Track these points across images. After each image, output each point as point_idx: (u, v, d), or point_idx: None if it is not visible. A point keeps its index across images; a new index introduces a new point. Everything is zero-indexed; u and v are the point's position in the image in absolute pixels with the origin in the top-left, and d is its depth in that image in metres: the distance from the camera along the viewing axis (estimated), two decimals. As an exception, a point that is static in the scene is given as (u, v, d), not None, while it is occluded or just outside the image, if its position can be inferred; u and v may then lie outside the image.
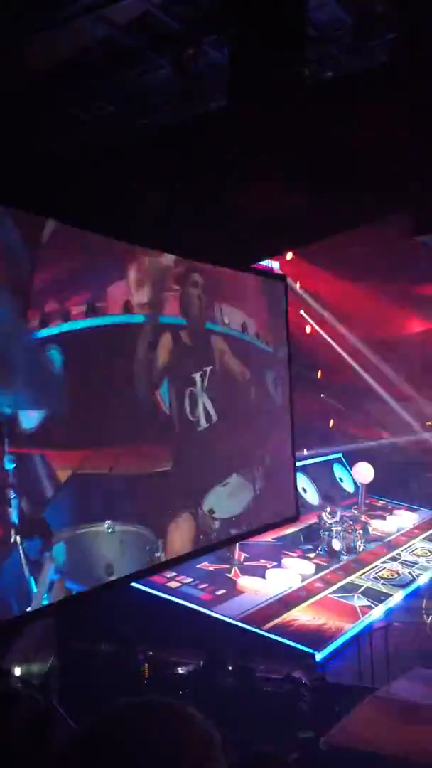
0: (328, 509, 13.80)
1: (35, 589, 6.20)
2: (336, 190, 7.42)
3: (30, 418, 6.16)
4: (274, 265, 15.43)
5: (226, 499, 8.74)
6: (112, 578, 7.08)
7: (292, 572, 11.56)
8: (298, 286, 16.05)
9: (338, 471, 16.87)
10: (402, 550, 13.29)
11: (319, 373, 17.55)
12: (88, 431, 6.85)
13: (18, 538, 6.07)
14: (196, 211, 7.73)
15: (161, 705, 1.30)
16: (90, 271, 7.16)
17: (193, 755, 1.21)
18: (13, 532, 6.05)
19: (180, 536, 8.01)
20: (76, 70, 7.61)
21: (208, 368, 8.73)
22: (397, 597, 11.13)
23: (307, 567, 11.89)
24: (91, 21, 7.04)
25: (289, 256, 15.22)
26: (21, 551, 6.06)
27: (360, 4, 7.14)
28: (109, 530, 6.94)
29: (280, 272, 14.60)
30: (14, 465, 6.00)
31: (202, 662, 8.52)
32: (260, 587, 10.92)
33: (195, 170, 7.34)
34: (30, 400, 6.21)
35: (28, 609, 6.21)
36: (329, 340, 17.52)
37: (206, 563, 11.09)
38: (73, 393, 6.62)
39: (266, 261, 13.98)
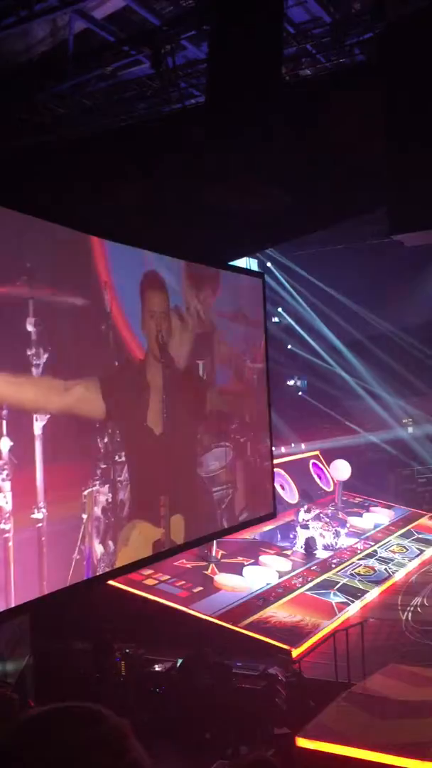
0: (305, 506, 13.84)
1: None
2: (313, 187, 7.46)
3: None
4: (252, 262, 15.47)
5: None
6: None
7: (270, 569, 11.58)
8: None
9: (315, 468, 16.94)
10: (378, 547, 13.37)
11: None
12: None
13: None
14: (173, 207, 7.73)
15: (65, 709, 1.27)
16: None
17: (104, 754, 1.20)
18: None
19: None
20: (52, 63, 7.56)
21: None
22: (374, 593, 11.20)
23: (284, 564, 11.92)
24: (69, 14, 7.01)
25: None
26: None
27: (337, 3, 7.18)
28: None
29: (258, 270, 14.65)
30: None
31: (179, 660, 8.51)
32: (237, 584, 10.93)
33: (172, 166, 7.33)
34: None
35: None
36: (307, 337, 17.62)
37: (183, 560, 11.08)
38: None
39: (244, 258, 14.02)
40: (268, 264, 16.28)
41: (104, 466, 7.40)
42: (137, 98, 8.07)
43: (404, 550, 13.44)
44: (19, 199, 6.61)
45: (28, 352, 6.51)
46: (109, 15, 7.35)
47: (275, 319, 16.98)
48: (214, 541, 11.08)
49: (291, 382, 17.99)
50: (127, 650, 8.65)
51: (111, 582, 8.88)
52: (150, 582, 10.42)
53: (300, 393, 18.19)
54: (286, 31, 7.00)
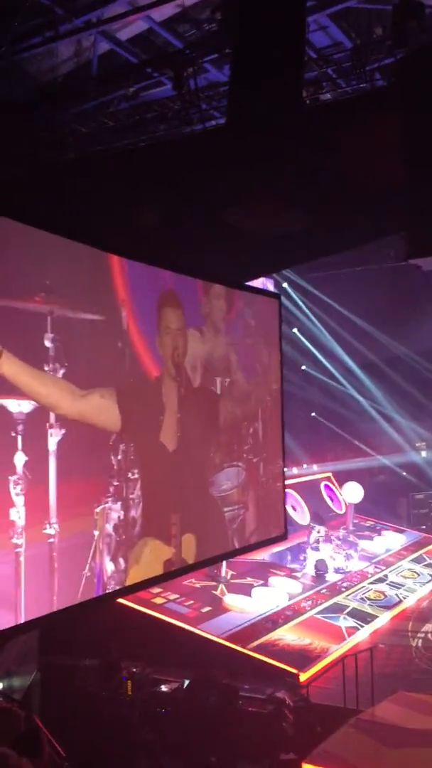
0: (316, 528, 13.76)
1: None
2: (332, 210, 7.49)
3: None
4: (268, 283, 15.51)
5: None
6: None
7: (279, 591, 11.50)
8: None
9: (327, 490, 16.85)
10: (389, 572, 13.24)
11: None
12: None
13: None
14: (192, 226, 7.78)
15: None
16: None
17: None
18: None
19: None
20: (76, 83, 7.68)
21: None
22: (384, 619, 11.09)
23: (294, 586, 11.83)
24: (94, 36, 7.12)
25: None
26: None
27: (359, 28, 7.25)
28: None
29: (274, 290, 14.69)
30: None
31: (185, 681, 8.44)
32: (246, 605, 10.85)
33: (191, 187, 7.39)
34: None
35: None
36: (322, 358, 17.60)
37: (192, 580, 11.02)
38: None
39: (261, 279, 14.06)
40: (285, 285, 16.30)
41: (117, 483, 7.41)
42: (158, 119, 8.15)
43: (416, 575, 13.30)
44: (41, 216, 6.68)
45: (46, 368, 6.56)
46: (133, 37, 7.47)
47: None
48: (224, 562, 11.02)
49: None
50: (135, 669, 8.58)
51: (120, 600, 8.84)
52: (158, 600, 10.37)
53: (313, 414, 18.10)
54: (308, 56, 7.07)
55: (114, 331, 7.49)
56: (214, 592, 11.12)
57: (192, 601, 10.64)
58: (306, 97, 7.21)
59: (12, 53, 7.09)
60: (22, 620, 6.23)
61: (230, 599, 10.95)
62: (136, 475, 7.65)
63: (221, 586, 11.30)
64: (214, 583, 11.35)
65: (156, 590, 10.19)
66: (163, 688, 8.58)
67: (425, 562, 14.09)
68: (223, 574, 11.54)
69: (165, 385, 8.23)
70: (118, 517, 7.43)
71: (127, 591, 7.90)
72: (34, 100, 7.64)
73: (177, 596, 10.61)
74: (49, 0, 6.66)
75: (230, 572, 11.69)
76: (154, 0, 6.74)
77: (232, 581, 11.53)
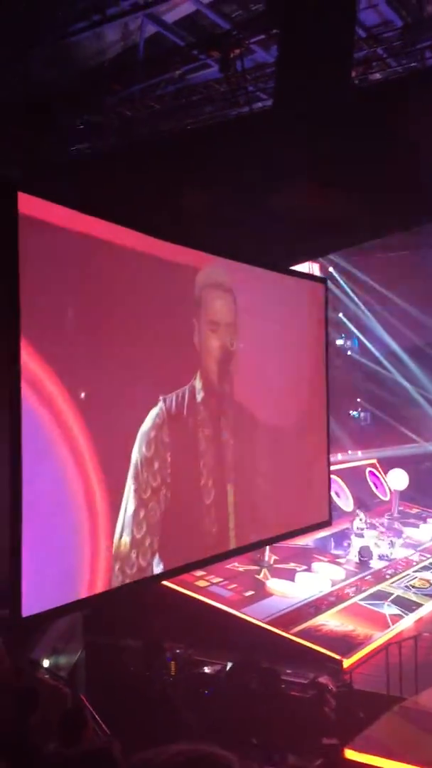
0: (360, 515, 13.68)
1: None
2: (383, 191, 7.36)
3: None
4: (314, 267, 15.37)
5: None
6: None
7: (322, 577, 11.48)
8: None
9: (372, 477, 16.72)
10: (435, 560, 13.14)
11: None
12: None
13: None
14: (238, 210, 7.73)
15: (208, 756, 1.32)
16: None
17: None
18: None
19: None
20: (123, 67, 7.67)
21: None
22: (429, 607, 10.98)
23: (337, 572, 11.79)
24: (141, 18, 7.10)
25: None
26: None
27: (409, 6, 7.08)
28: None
29: (321, 275, 14.55)
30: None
31: (228, 663, 8.50)
32: (289, 590, 10.86)
33: (238, 169, 7.34)
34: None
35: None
36: (368, 344, 17.42)
37: (236, 563, 11.07)
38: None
39: (306, 264, 13.94)
40: (330, 269, 16.15)
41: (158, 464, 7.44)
42: (205, 102, 8.11)
43: (461, 564, 13.14)
44: (84, 200, 6.69)
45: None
46: (180, 19, 7.42)
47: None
48: (267, 546, 11.03)
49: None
50: (178, 650, 8.68)
51: (163, 582, 8.93)
52: (202, 584, 10.45)
53: (358, 400, 17.95)
54: (357, 35, 6.94)
55: (158, 319, 7.47)
56: (257, 576, 11.16)
57: (235, 585, 10.69)
58: (355, 77, 7.09)
59: (59, 37, 7.11)
60: (70, 599, 6.32)
61: (273, 584, 10.97)
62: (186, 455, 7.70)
63: (264, 571, 11.32)
64: (257, 568, 11.38)
65: (199, 573, 10.27)
66: (206, 669, 8.66)
67: (471, 551, 13.91)
68: (266, 558, 11.56)
69: (211, 368, 8.22)
70: (164, 495, 7.47)
71: (170, 574, 7.94)
72: (81, 85, 7.66)
73: (220, 579, 10.67)
74: (96, -17, 6.66)
75: (273, 557, 11.71)
76: (201, -19, 6.69)
77: (275, 566, 11.55)
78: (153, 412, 7.28)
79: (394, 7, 7.11)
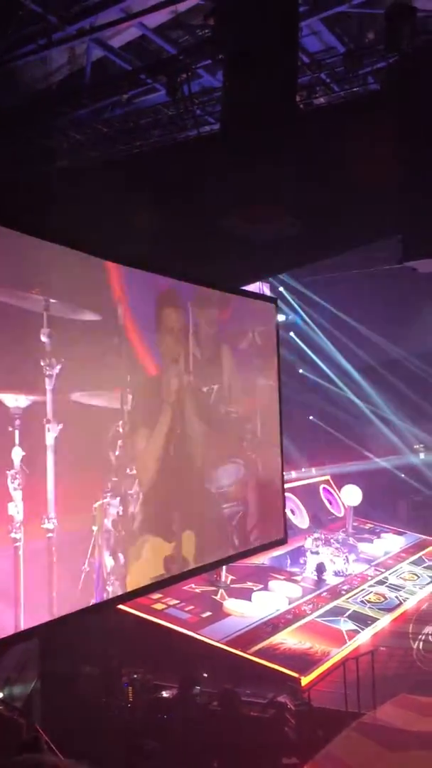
0: (315, 532, 13.74)
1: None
2: (326, 214, 7.51)
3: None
4: (264, 287, 15.53)
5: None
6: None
7: (279, 595, 11.49)
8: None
9: (326, 493, 16.85)
10: (389, 574, 13.24)
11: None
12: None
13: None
14: (187, 232, 7.79)
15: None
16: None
17: None
18: None
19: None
20: (70, 91, 7.68)
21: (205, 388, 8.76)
22: (384, 621, 11.08)
23: (294, 590, 11.82)
24: (87, 43, 7.13)
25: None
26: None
27: (351, 33, 7.27)
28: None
29: (271, 294, 14.71)
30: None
31: (187, 685, 8.43)
32: (246, 610, 10.85)
33: (185, 192, 7.41)
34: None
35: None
36: (320, 363, 17.62)
37: (192, 585, 11.01)
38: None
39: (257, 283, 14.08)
40: (281, 289, 16.33)
41: (115, 479, 7.41)
42: (152, 125, 8.17)
43: (415, 577, 13.30)
44: (35, 222, 6.69)
45: (42, 363, 6.57)
46: (126, 44, 7.48)
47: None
48: (223, 566, 11.00)
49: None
50: (135, 675, 8.58)
51: (120, 606, 8.83)
52: (159, 606, 10.36)
53: (311, 417, 18.11)
54: (300, 61, 7.09)
55: (111, 328, 7.50)
56: (214, 597, 11.11)
57: (192, 606, 10.62)
58: (300, 101, 7.22)
59: (5, 61, 7.10)
60: (21, 617, 6.20)
61: (230, 604, 10.94)
62: (134, 471, 7.66)
63: (221, 591, 11.29)
64: (214, 588, 11.33)
65: (156, 596, 10.18)
66: (164, 693, 8.57)
67: (425, 564, 14.10)
68: (223, 578, 11.53)
69: (163, 384, 8.25)
70: (117, 512, 7.42)
71: (127, 597, 7.87)
72: (28, 108, 7.65)
73: (177, 601, 10.60)
74: (41, 8, 6.66)
75: (230, 577, 11.68)
76: (147, 7, 6.75)
77: (232, 586, 11.52)
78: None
79: (336, 33, 7.29)
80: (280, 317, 16.89)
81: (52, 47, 7.05)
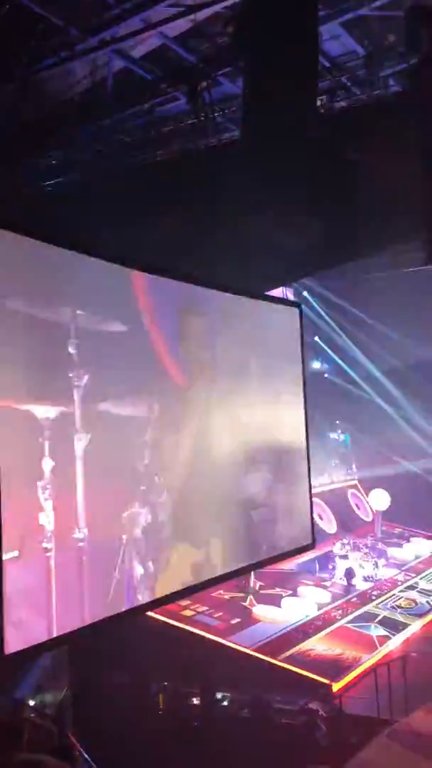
0: (344, 537, 13.66)
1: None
2: (350, 217, 7.49)
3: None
4: (288, 293, 15.50)
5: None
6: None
7: (308, 601, 11.43)
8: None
9: (354, 498, 16.76)
10: (419, 579, 13.11)
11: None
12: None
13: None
14: (210, 239, 7.81)
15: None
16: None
17: None
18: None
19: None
20: (92, 102, 7.76)
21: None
22: (415, 627, 10.97)
23: (323, 595, 11.75)
24: (108, 54, 7.21)
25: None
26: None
27: (372, 36, 7.26)
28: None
29: (295, 299, 14.67)
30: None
31: (217, 693, 8.42)
32: (276, 616, 10.81)
33: (209, 199, 7.43)
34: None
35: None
36: (344, 365, 17.54)
37: (221, 591, 10.99)
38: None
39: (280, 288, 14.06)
40: (305, 293, 16.29)
41: (143, 487, 7.43)
42: (174, 134, 8.22)
43: (446, 582, 13.16)
44: (60, 233, 6.75)
45: (70, 374, 6.62)
46: (147, 53, 7.55)
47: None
48: (252, 573, 10.98)
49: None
50: (165, 683, 8.59)
51: (149, 613, 8.84)
52: (188, 613, 10.36)
53: (337, 422, 18.02)
54: (321, 65, 7.09)
55: (136, 339, 7.53)
56: (243, 603, 11.09)
57: (221, 613, 10.61)
58: (320, 105, 7.23)
59: (29, 74, 7.20)
60: (54, 626, 6.24)
61: (260, 610, 10.91)
62: (162, 480, 7.68)
63: (250, 597, 11.26)
64: (242, 594, 11.31)
65: (185, 602, 10.18)
66: (195, 701, 8.57)
67: (456, 569, 13.94)
68: (251, 584, 11.50)
69: (189, 392, 8.26)
70: (146, 521, 7.43)
71: (156, 604, 7.88)
72: (51, 120, 7.74)
73: (206, 608, 10.59)
74: (63, 21, 6.75)
75: (258, 583, 11.65)
76: (166, 16, 6.81)
77: (260, 592, 11.49)
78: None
79: (356, 37, 7.29)
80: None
81: (75, 59, 7.14)
